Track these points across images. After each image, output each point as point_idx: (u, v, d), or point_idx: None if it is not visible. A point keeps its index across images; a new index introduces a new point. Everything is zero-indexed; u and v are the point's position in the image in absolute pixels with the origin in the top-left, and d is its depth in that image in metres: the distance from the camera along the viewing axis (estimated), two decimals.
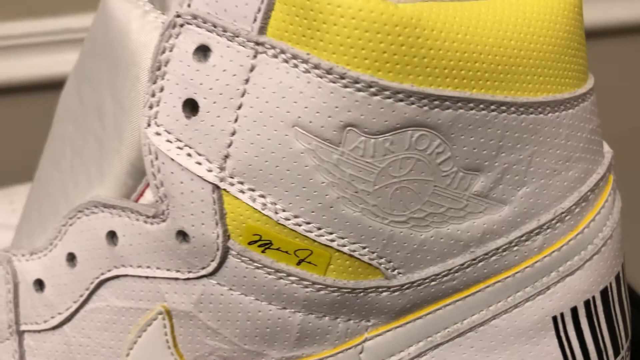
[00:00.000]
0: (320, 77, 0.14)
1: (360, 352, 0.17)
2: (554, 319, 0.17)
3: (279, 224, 0.15)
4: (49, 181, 0.19)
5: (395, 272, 0.16)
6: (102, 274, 0.18)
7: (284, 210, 0.15)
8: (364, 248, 0.15)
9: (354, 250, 0.15)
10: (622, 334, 0.18)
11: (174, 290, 0.17)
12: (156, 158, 0.16)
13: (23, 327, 0.19)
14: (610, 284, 0.18)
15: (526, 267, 0.16)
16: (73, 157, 0.18)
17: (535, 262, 0.16)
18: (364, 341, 0.17)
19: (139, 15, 0.16)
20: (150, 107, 0.15)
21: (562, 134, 0.16)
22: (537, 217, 0.16)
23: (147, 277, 0.17)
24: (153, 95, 0.15)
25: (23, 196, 0.34)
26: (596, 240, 0.17)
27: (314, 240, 0.15)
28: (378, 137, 0.14)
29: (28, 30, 0.44)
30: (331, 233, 0.15)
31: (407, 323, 0.17)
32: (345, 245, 0.15)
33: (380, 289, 0.16)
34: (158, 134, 0.15)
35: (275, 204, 0.15)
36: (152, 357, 0.18)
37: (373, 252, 0.15)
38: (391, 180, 0.15)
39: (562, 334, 0.17)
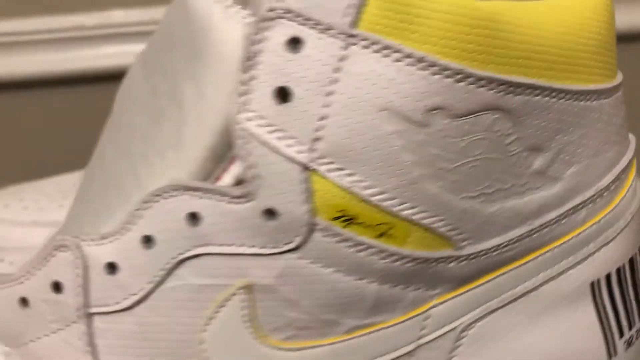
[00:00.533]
0: (412, 66, 0.15)
1: (425, 320, 0.19)
2: (592, 285, 0.19)
3: (364, 200, 0.17)
4: (115, 169, 0.20)
5: (465, 243, 0.17)
6: (181, 253, 0.19)
7: (370, 187, 0.16)
8: (441, 221, 0.17)
9: (432, 223, 0.17)
10: None
11: (256, 266, 0.18)
12: (247, 142, 0.17)
13: (92, 310, 0.20)
14: (635, 254, 0.20)
15: (571, 238, 0.19)
16: (145, 144, 0.19)
17: (579, 234, 0.19)
18: (429, 309, 0.18)
19: (220, 10, 0.18)
20: (242, 94, 0.17)
21: (603, 120, 0.18)
22: (582, 192, 0.18)
23: (229, 255, 0.18)
24: (244, 84, 0.17)
25: (33, 193, 0.34)
26: (626, 215, 0.19)
27: (396, 215, 0.17)
28: (460, 120, 0.16)
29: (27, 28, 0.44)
30: (412, 207, 0.17)
31: (468, 291, 0.18)
32: (424, 219, 0.17)
33: (449, 259, 0.18)
34: (249, 119, 0.17)
35: (362, 181, 0.16)
36: (230, 332, 0.19)
37: (448, 225, 0.17)
38: (468, 158, 0.16)
39: (597, 298, 0.19)
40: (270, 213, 0.17)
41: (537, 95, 0.16)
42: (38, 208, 0.33)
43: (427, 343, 0.19)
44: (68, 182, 0.35)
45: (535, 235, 0.18)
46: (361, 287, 0.18)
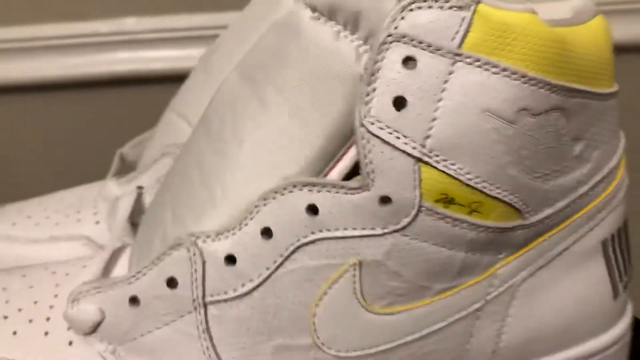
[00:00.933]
0: (507, 77, 0.20)
1: (493, 279, 0.23)
2: (603, 242, 0.25)
3: (463, 183, 0.21)
4: (217, 172, 0.23)
5: (529, 214, 0.22)
6: (298, 240, 0.22)
7: (468, 173, 0.21)
8: (517, 197, 0.22)
9: (510, 200, 0.22)
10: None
11: (368, 245, 0.22)
12: (368, 142, 0.21)
13: (208, 299, 0.22)
14: (626, 219, 0.26)
15: (593, 207, 0.24)
16: (253, 147, 0.22)
17: (598, 203, 0.24)
18: (497, 270, 0.23)
19: (332, 35, 0.21)
20: (366, 103, 0.20)
21: (613, 115, 0.24)
22: (601, 170, 0.24)
23: (343, 238, 0.22)
24: (368, 94, 0.20)
25: (38, 210, 0.35)
26: (624, 187, 0.25)
27: (486, 194, 0.21)
28: (537, 117, 0.21)
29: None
30: (498, 187, 0.21)
31: (523, 254, 0.23)
32: (505, 196, 0.21)
33: (518, 228, 0.22)
34: (372, 123, 0.20)
35: (463, 168, 0.21)
36: (340, 304, 0.22)
37: (521, 200, 0.22)
38: (539, 147, 0.21)
39: (606, 253, 0.25)
40: (385, 200, 0.21)
41: (582, 97, 0.22)
42: (52, 223, 0.34)
43: (492, 299, 0.23)
44: (72, 198, 0.36)
45: (571, 205, 0.23)
46: (452, 256, 0.22)
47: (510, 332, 0.24)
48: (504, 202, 0.22)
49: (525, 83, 0.20)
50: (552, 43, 0.20)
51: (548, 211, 0.23)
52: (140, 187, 0.32)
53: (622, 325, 0.27)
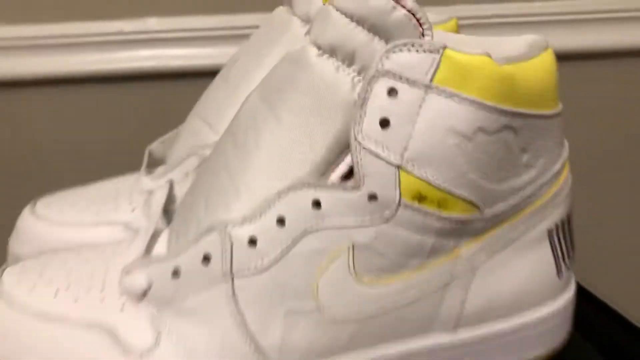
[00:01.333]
0: (468, 104, 0.26)
1: (456, 259, 0.29)
2: (549, 231, 0.31)
3: (433, 185, 0.27)
4: (243, 173, 0.29)
5: (485, 209, 0.28)
6: (306, 227, 0.28)
7: (436, 178, 0.27)
8: (475, 196, 0.28)
9: (470, 198, 0.28)
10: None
11: (359, 232, 0.28)
12: (360, 152, 0.27)
13: (235, 273, 0.28)
14: (571, 211, 0.32)
15: (539, 203, 0.30)
16: (271, 155, 0.28)
17: (543, 200, 0.30)
18: (460, 251, 0.29)
19: (333, 68, 0.27)
20: (359, 123, 0.26)
21: (557, 130, 0.30)
22: (545, 174, 0.30)
23: (340, 226, 0.28)
24: (360, 116, 0.26)
25: (80, 199, 0.41)
26: (566, 188, 0.32)
27: (450, 193, 0.27)
28: (491, 135, 0.27)
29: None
30: (460, 188, 0.27)
31: (482, 240, 0.30)
32: (466, 196, 0.28)
33: (476, 220, 0.29)
34: (363, 138, 0.26)
35: (432, 174, 0.27)
36: (337, 278, 0.28)
37: (478, 198, 0.28)
38: (493, 157, 0.27)
39: (551, 239, 0.31)
40: (373, 197, 0.27)
41: (528, 118, 0.28)
42: (93, 211, 0.40)
43: (457, 275, 0.30)
44: (108, 188, 0.42)
45: (521, 202, 0.30)
46: (424, 240, 0.28)
47: (472, 301, 0.30)
48: (465, 199, 0.28)
49: (481, 109, 0.26)
50: (502, 79, 0.26)
51: (501, 207, 0.29)
52: (171, 181, 0.38)
53: (567, 296, 0.33)
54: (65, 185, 0.44)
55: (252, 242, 0.28)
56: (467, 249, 0.29)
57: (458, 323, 0.31)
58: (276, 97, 0.29)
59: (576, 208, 0.33)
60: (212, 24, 0.57)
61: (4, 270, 0.34)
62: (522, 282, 0.31)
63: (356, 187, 0.27)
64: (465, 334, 0.31)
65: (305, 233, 0.28)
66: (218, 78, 0.41)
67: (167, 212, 0.36)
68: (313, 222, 0.28)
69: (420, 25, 0.26)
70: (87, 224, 0.39)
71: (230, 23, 0.56)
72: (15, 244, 0.41)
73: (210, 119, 0.40)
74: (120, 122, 0.57)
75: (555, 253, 0.32)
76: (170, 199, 0.37)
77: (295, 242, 0.28)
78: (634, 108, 0.63)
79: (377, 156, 0.27)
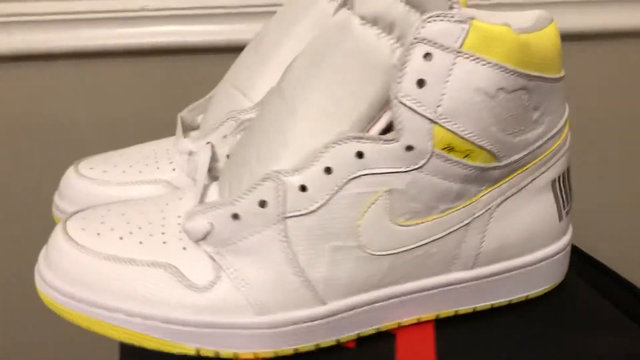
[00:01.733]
0: (491, 68, 0.31)
1: (477, 203, 0.34)
2: (552, 181, 0.36)
3: (461, 137, 0.32)
4: (293, 127, 0.33)
5: (503, 158, 0.33)
6: (349, 175, 0.32)
7: (464, 131, 0.32)
8: (495, 147, 0.32)
9: (491, 149, 0.32)
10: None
11: (396, 179, 0.32)
12: (399, 108, 0.31)
13: (288, 214, 0.33)
14: (569, 165, 0.37)
15: (545, 155, 0.35)
16: (317, 112, 0.32)
17: (548, 153, 0.35)
18: (480, 197, 0.34)
19: (374, 35, 0.32)
20: (398, 83, 0.31)
21: (561, 92, 0.35)
22: (551, 130, 0.35)
23: (379, 174, 0.32)
24: (399, 77, 0.31)
25: (122, 160, 0.44)
26: (567, 143, 0.36)
27: (475, 144, 0.32)
28: (510, 94, 0.31)
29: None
30: (483, 140, 0.32)
31: (499, 186, 0.34)
32: (487, 146, 0.32)
33: (494, 168, 0.33)
34: (403, 96, 0.31)
35: (461, 127, 0.31)
36: (375, 218, 0.33)
37: (498, 149, 0.33)
38: (511, 113, 0.32)
39: (554, 188, 0.36)
40: (409, 148, 0.32)
41: (540, 81, 0.32)
42: (136, 171, 0.44)
43: (477, 217, 0.34)
44: (147, 150, 0.46)
45: (530, 154, 0.34)
46: (451, 186, 0.33)
47: (489, 241, 0.35)
48: (487, 150, 0.32)
49: (503, 71, 0.31)
50: (520, 46, 0.31)
51: (515, 157, 0.34)
52: (210, 143, 0.42)
53: (565, 239, 0.38)
54: (97, 152, 0.48)
55: (303, 188, 0.33)
56: (486, 194, 0.34)
57: (475, 262, 0.36)
58: (322, 59, 0.33)
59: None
60: (233, 2, 0.60)
61: (66, 220, 0.37)
62: (529, 225, 0.36)
63: (395, 139, 0.32)
64: (481, 271, 0.36)
65: (349, 180, 0.32)
66: (249, 49, 0.45)
67: (210, 170, 0.40)
68: (355, 170, 0.32)
69: None
70: (131, 182, 0.43)
71: (251, 1, 0.60)
72: (60, 202, 0.45)
73: (242, 87, 0.44)
74: (145, 95, 0.60)
75: (557, 200, 0.37)
76: (212, 158, 0.41)
77: (340, 187, 0.32)
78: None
79: (414, 111, 0.31)
